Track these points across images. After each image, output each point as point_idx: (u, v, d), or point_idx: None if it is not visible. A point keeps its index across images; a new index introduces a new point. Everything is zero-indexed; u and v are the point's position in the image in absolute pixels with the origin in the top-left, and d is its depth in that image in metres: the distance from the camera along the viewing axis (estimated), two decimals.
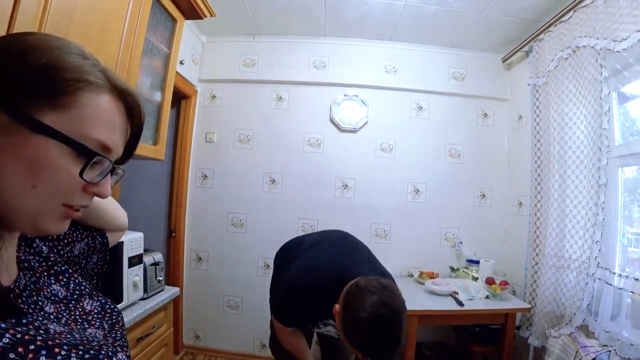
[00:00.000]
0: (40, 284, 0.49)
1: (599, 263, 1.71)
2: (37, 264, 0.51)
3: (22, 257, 0.49)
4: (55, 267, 0.54)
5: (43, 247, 0.55)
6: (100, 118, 0.42)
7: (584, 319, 1.74)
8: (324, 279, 1.22)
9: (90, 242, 0.65)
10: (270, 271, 1.74)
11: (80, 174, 0.40)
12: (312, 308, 1.25)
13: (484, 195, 2.69)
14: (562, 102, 1.94)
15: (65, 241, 0.59)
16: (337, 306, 1.12)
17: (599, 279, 1.70)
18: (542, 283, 1.99)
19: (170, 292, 1.65)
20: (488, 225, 2.67)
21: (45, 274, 0.52)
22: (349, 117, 2.68)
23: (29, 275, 0.48)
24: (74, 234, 0.62)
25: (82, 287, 0.55)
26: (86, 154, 0.40)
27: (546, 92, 2.09)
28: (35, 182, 0.38)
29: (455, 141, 2.69)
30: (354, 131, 2.69)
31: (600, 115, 1.71)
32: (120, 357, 0.45)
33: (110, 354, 0.44)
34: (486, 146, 2.70)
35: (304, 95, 2.71)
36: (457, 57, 2.71)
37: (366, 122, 2.68)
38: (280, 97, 2.71)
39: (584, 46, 1.79)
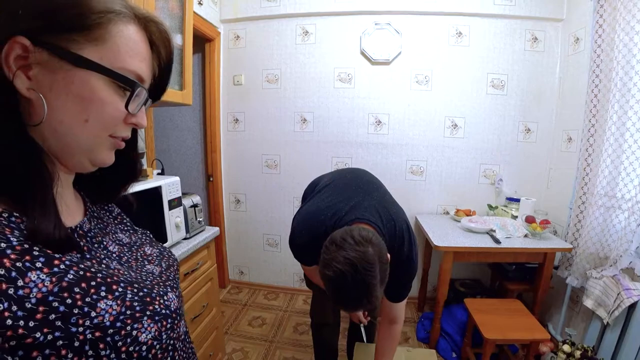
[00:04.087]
0: (108, 230, 0.54)
1: None
2: (105, 217, 0.56)
3: (92, 208, 0.54)
4: (120, 225, 0.59)
5: (116, 208, 0.60)
6: (133, 49, 0.42)
7: (630, 262, 1.65)
8: (322, 226, 1.20)
9: None
10: None
11: (126, 105, 0.42)
12: (316, 252, 1.26)
13: (528, 130, 2.48)
14: (632, 18, 1.64)
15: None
16: None
17: None
18: (588, 223, 1.88)
19: (210, 231, 1.75)
20: (532, 162, 2.50)
21: (112, 225, 0.57)
22: (381, 48, 2.47)
23: (95, 222, 0.52)
24: None
25: (145, 238, 0.61)
26: (130, 85, 0.42)
27: (613, 7, 1.76)
28: (87, 116, 0.40)
29: (498, 70, 2.43)
30: (386, 63, 2.50)
31: None
32: (171, 296, 0.49)
33: (161, 292, 0.48)
34: (534, 75, 2.41)
35: (331, 27, 2.51)
36: None
37: (400, 53, 2.47)
38: (306, 32, 2.54)
39: None
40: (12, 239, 0.35)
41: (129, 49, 0.42)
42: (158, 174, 1.68)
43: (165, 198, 1.46)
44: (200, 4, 2.25)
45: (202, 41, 2.54)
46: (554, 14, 2.34)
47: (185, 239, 1.61)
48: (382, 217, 1.20)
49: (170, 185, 1.49)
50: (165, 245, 1.41)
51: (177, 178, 1.55)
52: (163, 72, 0.51)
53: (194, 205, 1.68)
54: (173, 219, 1.50)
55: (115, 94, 0.41)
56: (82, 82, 0.38)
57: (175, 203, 1.52)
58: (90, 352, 0.36)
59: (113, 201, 0.60)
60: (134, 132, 0.53)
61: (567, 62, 2.32)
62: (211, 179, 2.77)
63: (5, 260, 0.33)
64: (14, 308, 0.32)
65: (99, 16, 0.39)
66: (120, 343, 0.39)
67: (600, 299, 1.71)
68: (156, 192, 1.42)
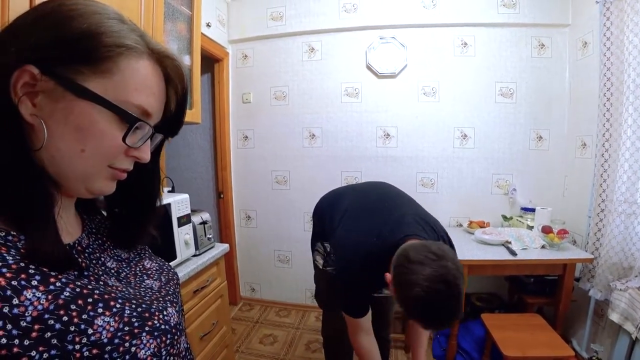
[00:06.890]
0: (105, 246, 0.54)
1: None
2: (105, 232, 0.56)
3: (90, 225, 0.54)
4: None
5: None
6: (140, 83, 0.42)
7: None
8: (372, 254, 1.15)
9: None
10: None
11: (123, 139, 0.42)
12: (370, 286, 1.21)
13: (540, 138, 2.43)
14: None
15: None
16: (388, 275, 1.05)
17: None
18: (609, 231, 1.80)
19: (220, 248, 1.75)
20: (546, 170, 2.44)
21: (110, 242, 0.56)
22: (387, 61, 2.49)
23: (93, 238, 0.52)
24: None
25: (144, 252, 0.60)
26: (129, 120, 0.41)
27: (620, 8, 1.74)
28: (84, 147, 0.40)
29: (506, 79, 2.40)
30: (393, 76, 2.51)
31: None
32: (170, 311, 0.48)
33: (160, 307, 0.47)
34: (543, 82, 2.38)
35: (336, 44, 2.55)
36: None
37: (405, 66, 2.48)
38: (312, 48, 2.58)
39: None
40: (7, 257, 0.35)
41: (137, 83, 0.42)
42: (169, 191, 1.70)
43: (174, 215, 1.47)
44: (208, 26, 2.33)
45: (211, 61, 2.61)
46: (559, 20, 2.32)
47: (194, 255, 1.61)
48: (426, 230, 1.19)
49: (179, 203, 1.50)
50: (174, 262, 1.43)
51: (186, 195, 1.56)
52: (179, 106, 0.51)
53: (203, 222, 1.69)
54: (182, 236, 1.51)
55: (115, 127, 0.41)
56: (82, 113, 0.39)
57: (184, 220, 1.53)
58: None
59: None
60: (154, 172, 0.53)
61: (576, 67, 2.28)
62: (222, 196, 2.79)
63: (0, 279, 0.33)
64: (9, 327, 0.32)
65: (108, 50, 0.39)
66: None
67: (626, 312, 1.62)
68: (165, 209, 1.43)
